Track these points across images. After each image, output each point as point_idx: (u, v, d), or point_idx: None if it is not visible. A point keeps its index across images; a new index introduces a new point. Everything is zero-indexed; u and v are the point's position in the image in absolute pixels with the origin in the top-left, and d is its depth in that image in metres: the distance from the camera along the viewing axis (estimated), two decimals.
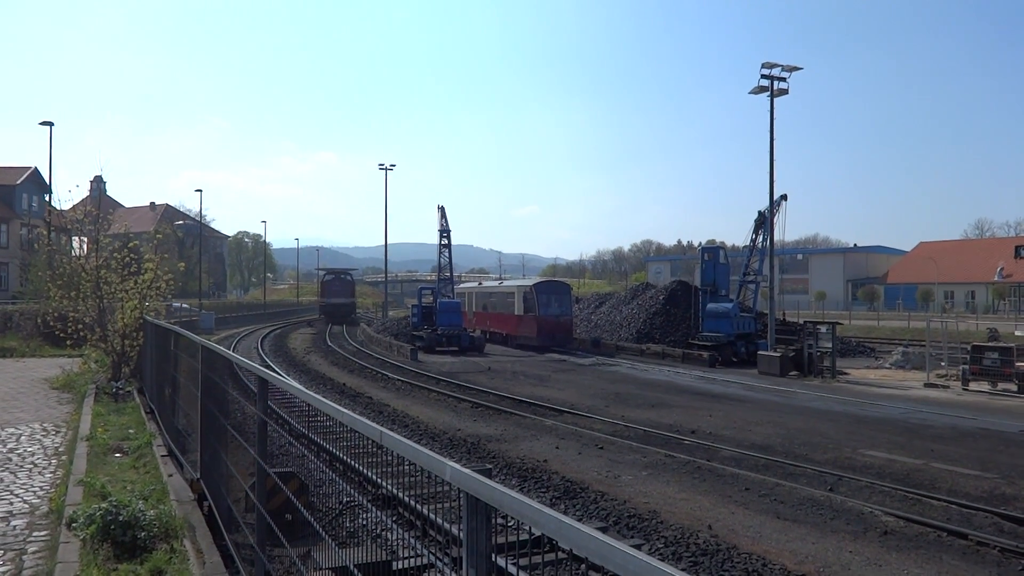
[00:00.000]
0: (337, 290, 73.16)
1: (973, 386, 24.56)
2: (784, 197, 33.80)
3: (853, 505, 10.77)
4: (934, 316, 47.72)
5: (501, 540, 7.76)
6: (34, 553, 6.84)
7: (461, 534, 2.46)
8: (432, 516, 8.17)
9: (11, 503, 8.47)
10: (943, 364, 27.46)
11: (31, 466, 10.30)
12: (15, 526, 7.63)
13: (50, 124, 41.62)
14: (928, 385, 25.50)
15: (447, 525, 5.02)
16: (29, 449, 11.39)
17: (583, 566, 2.01)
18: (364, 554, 4.43)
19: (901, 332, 48.69)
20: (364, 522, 8.24)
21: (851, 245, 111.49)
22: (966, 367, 25.09)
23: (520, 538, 7.85)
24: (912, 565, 8.55)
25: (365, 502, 4.04)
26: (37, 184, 64.26)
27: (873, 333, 49.63)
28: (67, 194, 41.45)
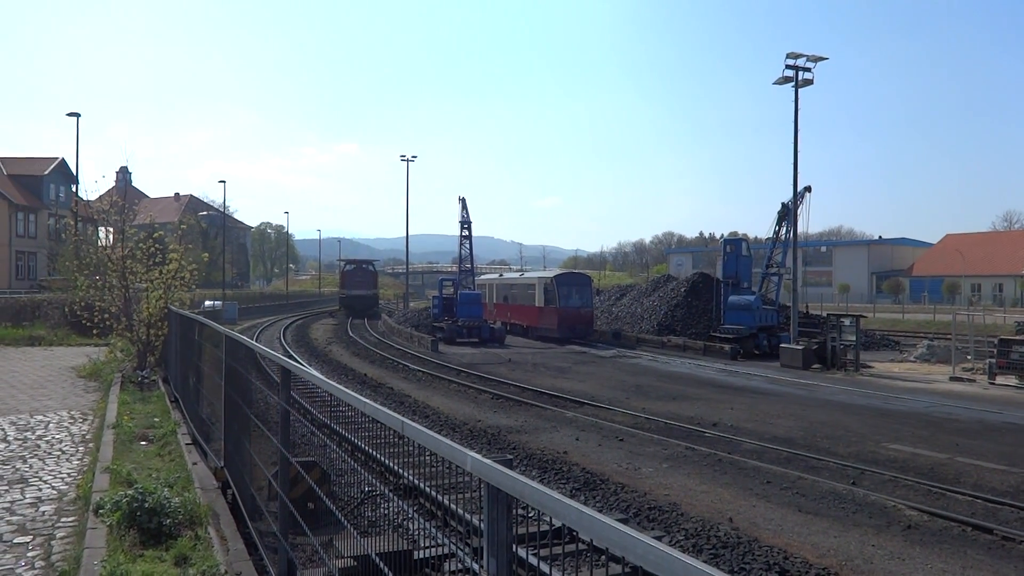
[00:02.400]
0: (358, 281, 67.51)
1: (1000, 380, 24.19)
2: (808, 189, 33.47)
3: (876, 499, 10.67)
4: (960, 309, 47.09)
5: (521, 531, 7.78)
6: (62, 538, 6.97)
7: (482, 524, 2.47)
8: (453, 506, 8.21)
9: (40, 489, 8.63)
10: (969, 358, 27.09)
11: (59, 453, 10.49)
12: (44, 512, 7.77)
13: (77, 115, 42.11)
14: (953, 379, 25.16)
15: (468, 515, 5.04)
16: (57, 436, 11.59)
17: (603, 557, 2.01)
18: (385, 543, 4.45)
19: (926, 325, 48.11)
20: (385, 511, 8.29)
21: (876, 237, 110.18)
22: (993, 361, 24.72)
23: (540, 529, 7.86)
24: (936, 560, 8.46)
25: (386, 491, 4.05)
26: (64, 174, 65.19)
27: (898, 326, 49.06)
28: (93, 184, 42.28)
